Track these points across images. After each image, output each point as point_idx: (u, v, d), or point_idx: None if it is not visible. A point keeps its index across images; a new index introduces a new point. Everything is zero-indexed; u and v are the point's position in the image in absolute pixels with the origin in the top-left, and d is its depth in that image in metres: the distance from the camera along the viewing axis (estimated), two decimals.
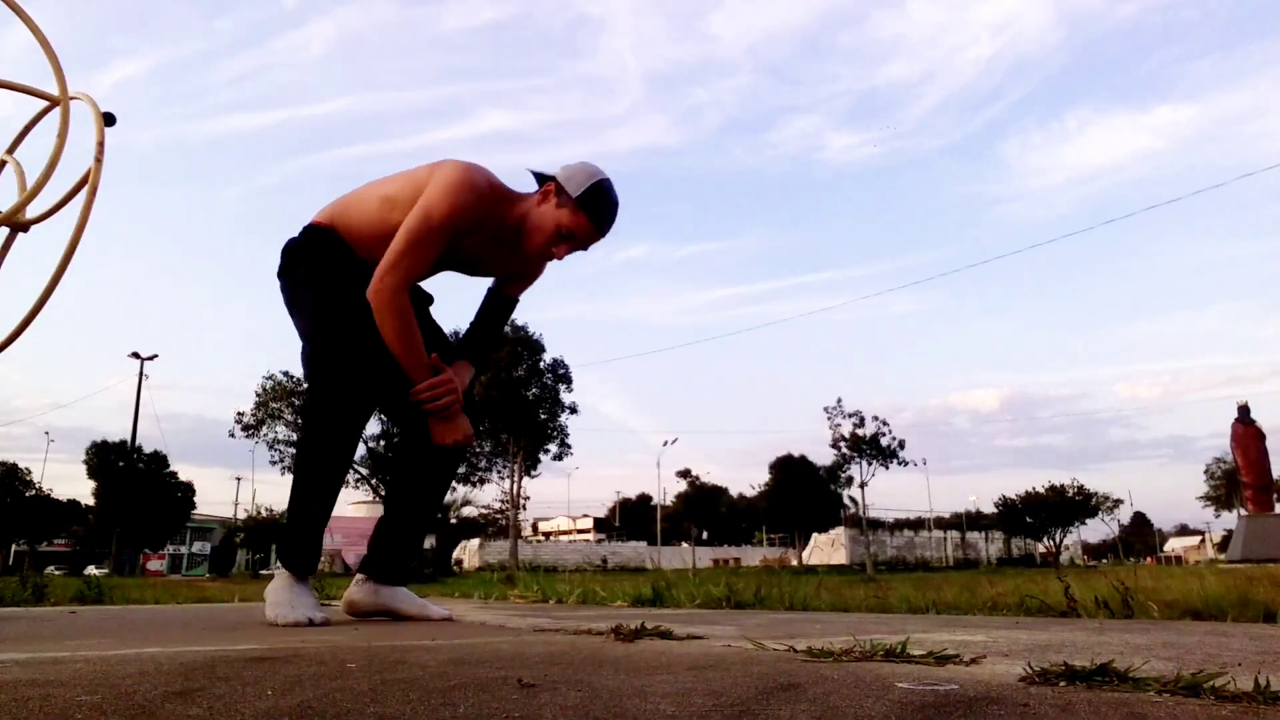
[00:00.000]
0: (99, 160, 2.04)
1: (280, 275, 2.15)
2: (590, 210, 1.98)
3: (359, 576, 2.19)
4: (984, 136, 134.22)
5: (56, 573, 26.86)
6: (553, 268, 2.20)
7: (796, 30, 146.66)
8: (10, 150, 2.24)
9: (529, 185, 2.09)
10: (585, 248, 2.06)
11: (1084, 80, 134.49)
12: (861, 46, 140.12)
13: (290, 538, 2.03)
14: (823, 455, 44.44)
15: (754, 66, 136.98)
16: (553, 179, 2.01)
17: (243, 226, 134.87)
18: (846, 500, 49.28)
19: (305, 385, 2.13)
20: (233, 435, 31.63)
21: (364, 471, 31.04)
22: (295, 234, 2.15)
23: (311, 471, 2.03)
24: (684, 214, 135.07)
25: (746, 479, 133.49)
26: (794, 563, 50.33)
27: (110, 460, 46.10)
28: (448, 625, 2.03)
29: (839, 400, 39.61)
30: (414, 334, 1.97)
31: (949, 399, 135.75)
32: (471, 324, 2.26)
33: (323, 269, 2.06)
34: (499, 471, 34.60)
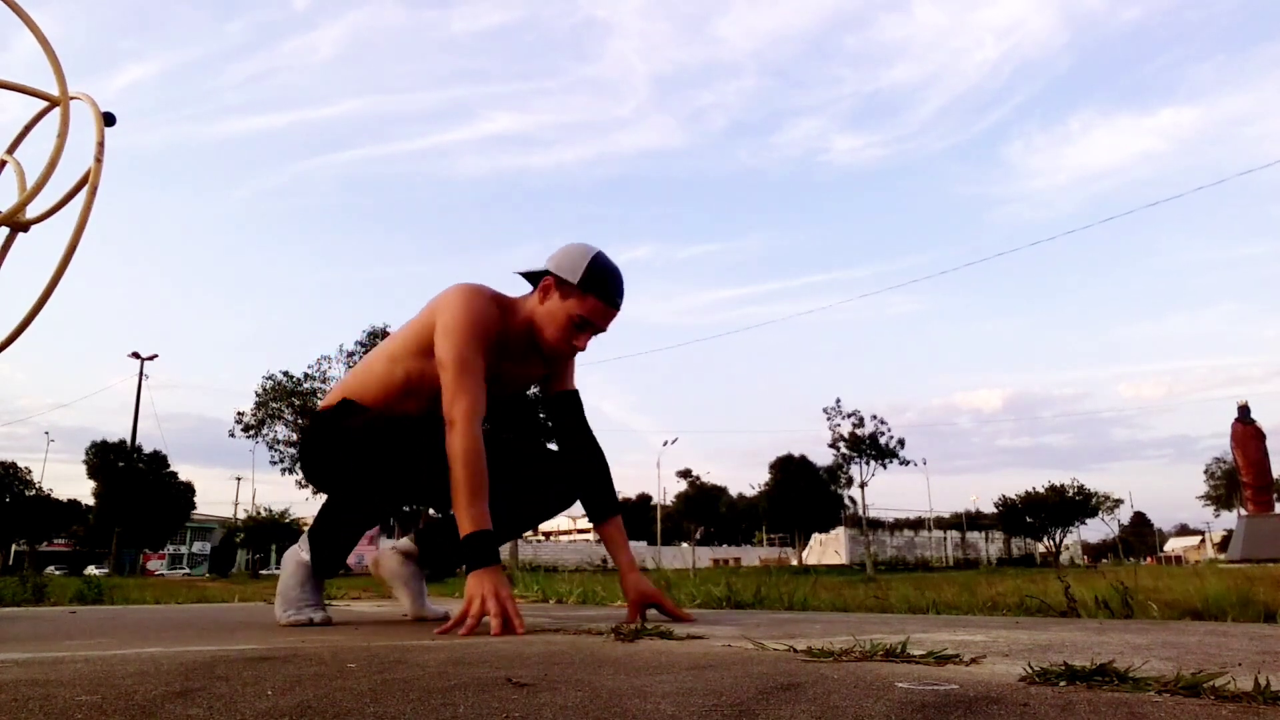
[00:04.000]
0: (99, 160, 2.04)
1: (303, 466, 2.11)
2: (597, 290, 1.90)
3: (407, 543, 2.15)
4: (987, 139, 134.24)
5: (56, 573, 26.91)
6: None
7: (802, 33, 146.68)
8: (10, 150, 2.24)
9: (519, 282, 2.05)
10: (604, 328, 1.97)
11: (1087, 83, 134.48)
12: (866, 50, 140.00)
13: (320, 548, 2.11)
14: (823, 455, 44.46)
15: (759, 69, 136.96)
16: (546, 273, 1.94)
17: (248, 227, 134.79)
18: (846, 500, 49.31)
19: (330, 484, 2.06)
20: (233, 435, 31.62)
21: None
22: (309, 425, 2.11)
23: (333, 530, 2.12)
24: (688, 215, 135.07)
25: (746, 479, 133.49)
26: (794, 563, 50.35)
27: (110, 460, 46.12)
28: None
29: (838, 400, 39.65)
30: (475, 494, 1.76)
31: (952, 399, 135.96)
32: (559, 441, 2.13)
33: (339, 428, 2.00)
34: None
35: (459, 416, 1.79)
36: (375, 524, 2.13)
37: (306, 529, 2.17)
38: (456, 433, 1.78)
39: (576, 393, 2.17)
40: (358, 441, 1.93)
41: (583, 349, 1.98)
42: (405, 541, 2.17)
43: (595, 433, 2.17)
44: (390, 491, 1.99)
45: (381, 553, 2.17)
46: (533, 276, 2.01)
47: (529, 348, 2.03)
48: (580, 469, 2.10)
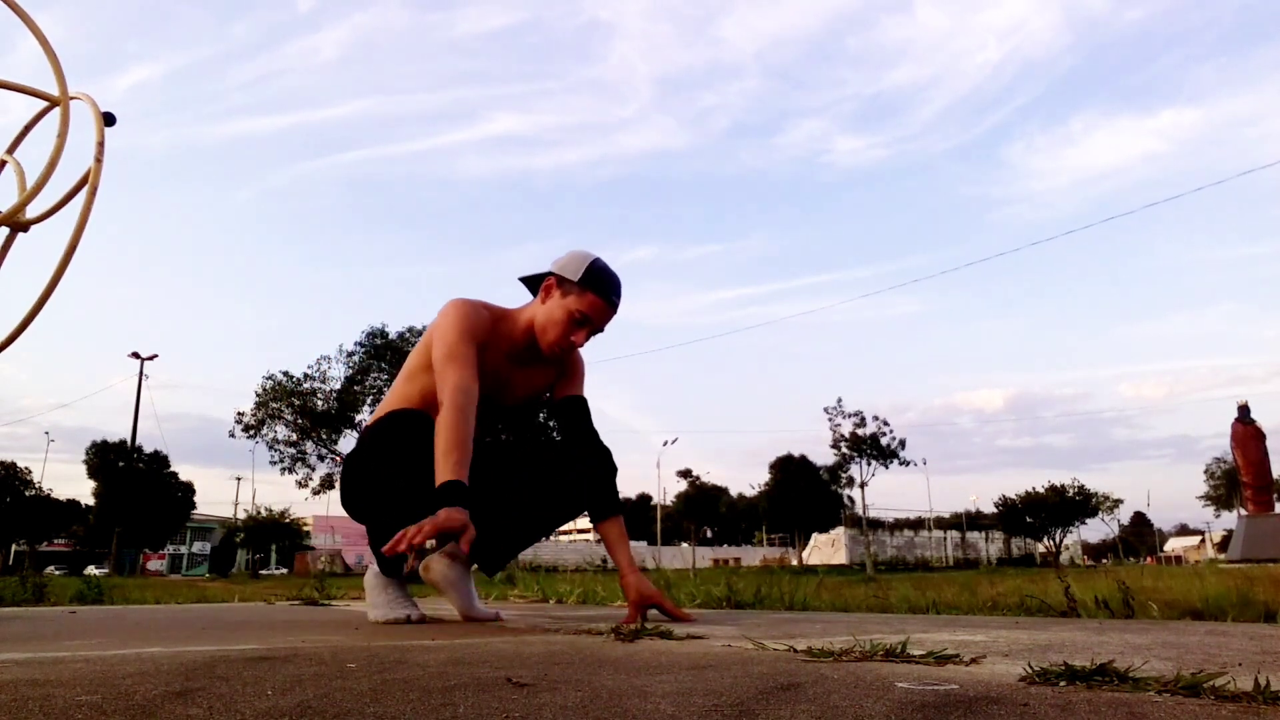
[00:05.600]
0: (99, 160, 2.04)
1: (341, 491, 2.16)
2: (596, 287, 2.01)
3: (453, 545, 2.15)
4: (989, 140, 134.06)
5: (56, 573, 26.89)
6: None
7: (804, 35, 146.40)
8: (10, 150, 2.25)
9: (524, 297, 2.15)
10: (601, 328, 2.07)
11: (1089, 84, 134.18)
12: (869, 51, 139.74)
13: (377, 550, 2.17)
14: (823, 455, 44.44)
15: (762, 70, 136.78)
16: (548, 275, 2.05)
17: (251, 228, 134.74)
18: (846, 500, 49.30)
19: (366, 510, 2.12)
20: (233, 435, 31.59)
21: None
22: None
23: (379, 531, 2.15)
24: (690, 216, 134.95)
25: (747, 479, 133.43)
26: (794, 562, 50.36)
27: (110, 460, 46.12)
28: (447, 625, 2.03)
29: (839, 400, 39.57)
30: (453, 449, 1.80)
31: (953, 399, 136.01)
32: (564, 444, 2.19)
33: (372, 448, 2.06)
34: None
35: (446, 395, 1.87)
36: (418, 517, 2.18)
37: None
38: (443, 408, 1.85)
39: (583, 398, 2.24)
40: (383, 440, 1.99)
41: (580, 344, 2.06)
42: (450, 544, 2.18)
43: (599, 435, 2.21)
44: (422, 485, 2.00)
45: (432, 557, 2.21)
46: (532, 282, 2.13)
47: (533, 354, 2.10)
48: (584, 470, 2.12)
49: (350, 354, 31.23)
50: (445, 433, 1.83)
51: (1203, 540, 68.34)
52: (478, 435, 2.11)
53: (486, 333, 2.02)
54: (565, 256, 2.06)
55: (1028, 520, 51.34)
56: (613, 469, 2.17)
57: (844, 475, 41.60)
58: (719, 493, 60.34)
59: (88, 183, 2.04)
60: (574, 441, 2.18)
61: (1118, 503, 52.16)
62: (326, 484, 31.63)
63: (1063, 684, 0.92)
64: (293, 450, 31.15)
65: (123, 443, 43.00)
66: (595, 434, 2.20)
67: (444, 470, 1.79)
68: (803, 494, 48.94)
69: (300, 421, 30.79)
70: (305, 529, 51.57)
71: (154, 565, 53.93)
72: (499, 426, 2.25)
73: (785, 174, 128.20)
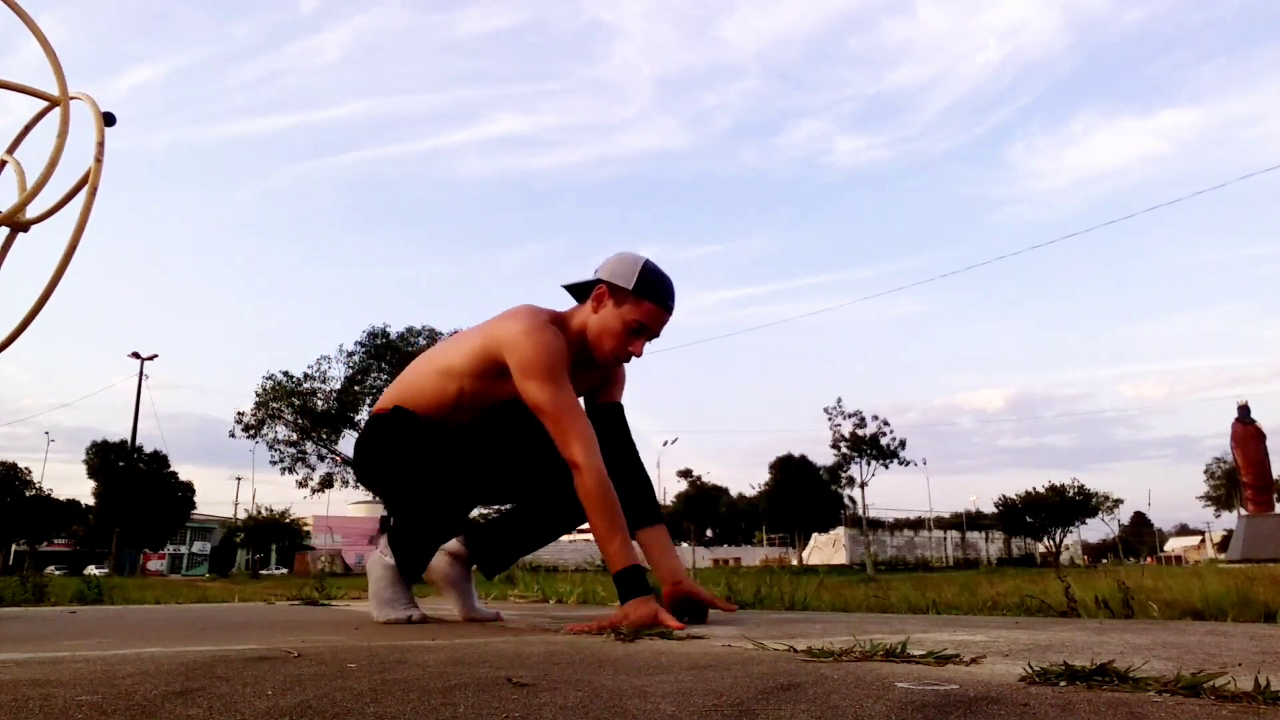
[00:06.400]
0: (99, 160, 2.05)
1: (357, 468, 2.12)
2: (651, 294, 1.95)
3: (456, 544, 2.16)
4: (990, 140, 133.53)
5: (56, 573, 26.89)
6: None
7: (805, 35, 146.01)
8: (10, 150, 2.25)
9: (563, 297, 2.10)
10: (658, 333, 2.01)
11: (1090, 84, 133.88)
12: (870, 52, 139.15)
13: (402, 552, 2.10)
14: (823, 455, 44.43)
15: (763, 71, 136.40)
16: (598, 282, 1.98)
17: (251, 228, 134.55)
18: (846, 500, 49.31)
19: (403, 498, 2.07)
20: (233, 435, 31.58)
21: None
22: (365, 429, 2.11)
23: (414, 534, 2.12)
24: (690, 216, 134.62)
25: (747, 479, 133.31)
26: (794, 562, 50.37)
27: (110, 460, 46.14)
28: (447, 625, 2.03)
29: (839, 400, 39.56)
30: (615, 531, 1.81)
31: (954, 399, 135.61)
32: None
33: (398, 441, 2.01)
34: None
35: (580, 458, 1.82)
36: (456, 529, 2.14)
37: (384, 536, 2.18)
38: (583, 475, 1.81)
39: (621, 406, 2.17)
40: (413, 449, 1.96)
41: (639, 354, 2.00)
42: (454, 543, 2.17)
43: (635, 445, 2.16)
44: (444, 496, 2.00)
45: (436, 557, 2.18)
46: (577, 289, 2.04)
47: (583, 360, 2.04)
48: (619, 479, 2.05)
49: (350, 354, 31.24)
50: (605, 513, 1.80)
51: (1203, 540, 68.32)
52: (517, 438, 2.06)
53: (569, 359, 1.95)
54: (614, 261, 1.98)
55: (1028, 520, 51.29)
56: (647, 478, 2.11)
57: (844, 475, 41.60)
58: (719, 493, 60.38)
59: (88, 183, 2.04)
60: (610, 448, 2.08)
61: (1118, 503, 52.13)
62: (326, 484, 31.63)
63: (1063, 684, 0.92)
64: (293, 450, 31.16)
65: (123, 443, 43.00)
66: (632, 443, 2.14)
67: (619, 555, 1.78)
68: (803, 494, 48.95)
69: (300, 421, 30.80)
70: (305, 529, 51.57)
71: (154, 565, 53.95)
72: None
73: (786, 174, 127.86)
